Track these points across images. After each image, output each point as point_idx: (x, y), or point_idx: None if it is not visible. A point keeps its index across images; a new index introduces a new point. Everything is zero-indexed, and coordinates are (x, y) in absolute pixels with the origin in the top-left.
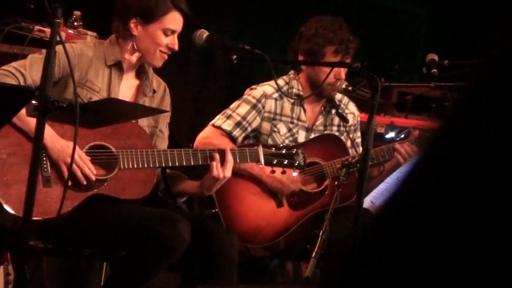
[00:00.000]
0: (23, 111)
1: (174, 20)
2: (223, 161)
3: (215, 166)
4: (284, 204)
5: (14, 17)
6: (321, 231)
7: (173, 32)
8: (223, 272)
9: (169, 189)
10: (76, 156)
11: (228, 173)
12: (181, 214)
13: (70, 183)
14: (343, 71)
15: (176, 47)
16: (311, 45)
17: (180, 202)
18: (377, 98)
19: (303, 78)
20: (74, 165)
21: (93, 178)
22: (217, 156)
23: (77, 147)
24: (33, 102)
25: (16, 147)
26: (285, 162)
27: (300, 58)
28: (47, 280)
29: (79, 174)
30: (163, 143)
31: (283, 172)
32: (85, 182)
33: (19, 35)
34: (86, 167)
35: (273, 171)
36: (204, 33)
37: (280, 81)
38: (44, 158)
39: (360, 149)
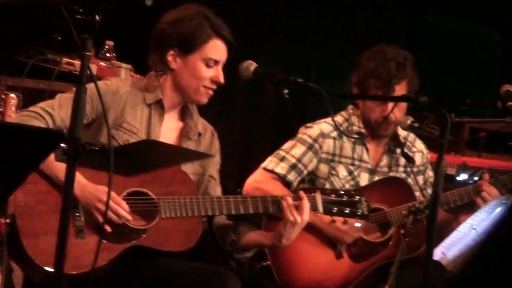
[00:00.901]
0: (51, 156)
1: (216, 49)
2: (298, 208)
3: (289, 211)
4: (344, 255)
5: (39, 49)
6: (386, 286)
7: (216, 62)
8: None
9: (217, 242)
10: (117, 203)
11: (306, 216)
12: (231, 269)
13: (107, 231)
14: (390, 108)
15: (222, 80)
16: (357, 77)
17: (248, 256)
18: (447, 136)
19: (361, 114)
20: (112, 213)
21: (129, 218)
22: (289, 200)
23: (116, 196)
24: (62, 145)
25: (45, 194)
26: (347, 211)
27: (354, 91)
28: None
29: (113, 217)
30: (216, 189)
31: (345, 222)
32: (120, 221)
33: (45, 68)
34: (121, 208)
35: (334, 221)
36: (252, 65)
37: (339, 118)
38: (77, 205)
39: (428, 192)
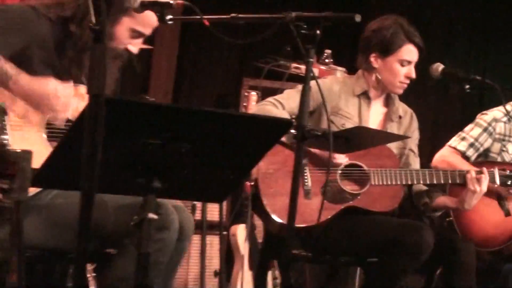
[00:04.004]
0: None
1: (409, 52)
2: (478, 180)
3: (472, 182)
4: (511, 213)
5: (273, 57)
6: None
7: (409, 62)
8: (463, 278)
9: (413, 203)
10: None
11: (485, 187)
12: (425, 223)
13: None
14: None
15: (413, 75)
16: None
17: (437, 215)
18: None
19: None
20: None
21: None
22: (473, 172)
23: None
24: (292, 131)
25: (281, 164)
26: None
27: None
28: (308, 284)
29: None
30: (415, 161)
31: None
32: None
33: (278, 72)
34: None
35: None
36: (439, 66)
37: (509, 106)
38: (306, 174)
39: None
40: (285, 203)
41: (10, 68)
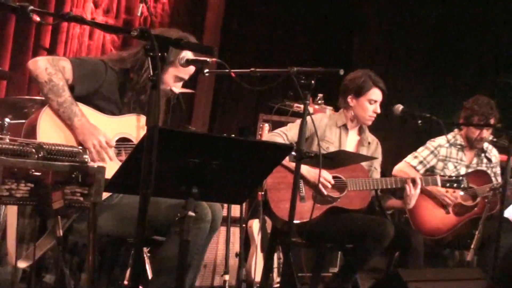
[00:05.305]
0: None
1: (375, 94)
2: (414, 185)
3: (409, 188)
4: (450, 212)
5: (281, 99)
6: (477, 231)
7: (375, 101)
8: (414, 260)
9: (380, 204)
10: (325, 177)
11: (417, 191)
12: (388, 219)
13: (318, 197)
14: (484, 133)
15: (379, 111)
16: (465, 113)
17: (389, 213)
18: None
19: (463, 134)
20: (321, 184)
21: (325, 193)
22: (409, 182)
23: (326, 173)
24: (293, 153)
25: (284, 178)
26: (455, 185)
27: (461, 121)
28: (303, 262)
29: (323, 189)
30: (377, 175)
31: (454, 192)
32: (325, 193)
33: (284, 109)
34: (328, 183)
35: (447, 191)
36: (400, 107)
37: (450, 136)
38: (301, 185)
39: (499, 178)
40: (286, 206)
41: (78, 109)
